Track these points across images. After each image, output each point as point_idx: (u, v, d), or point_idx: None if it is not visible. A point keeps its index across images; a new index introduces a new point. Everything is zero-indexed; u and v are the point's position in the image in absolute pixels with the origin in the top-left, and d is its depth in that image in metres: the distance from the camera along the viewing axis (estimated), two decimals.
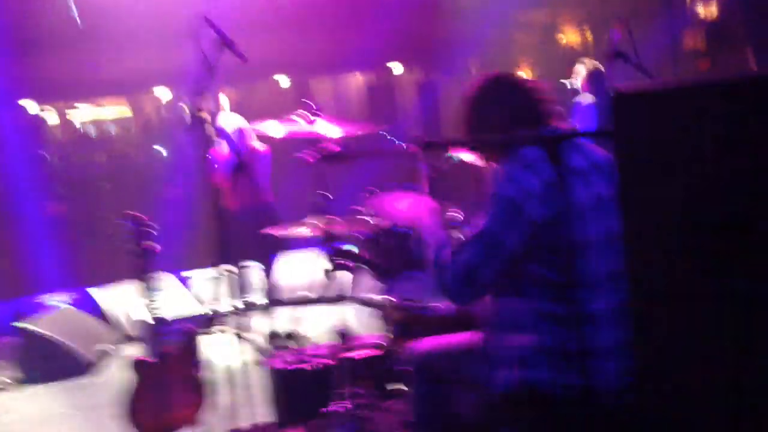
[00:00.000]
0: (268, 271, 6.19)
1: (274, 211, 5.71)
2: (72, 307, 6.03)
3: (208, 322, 5.07)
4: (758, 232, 1.36)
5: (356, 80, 11.32)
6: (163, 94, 10.09)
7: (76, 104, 10.66)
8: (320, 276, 3.25)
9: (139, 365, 3.64)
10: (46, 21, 8.81)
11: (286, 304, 5.73)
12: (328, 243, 3.08)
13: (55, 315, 5.80)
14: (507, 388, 2.27)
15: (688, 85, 1.48)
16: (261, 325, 4.69)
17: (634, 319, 1.58)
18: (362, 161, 3.68)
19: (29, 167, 9.05)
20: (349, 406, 3.17)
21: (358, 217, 3.28)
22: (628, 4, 7.77)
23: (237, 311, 6.30)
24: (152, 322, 3.71)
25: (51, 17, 8.82)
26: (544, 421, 2.23)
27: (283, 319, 4.91)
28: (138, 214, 3.70)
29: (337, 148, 3.12)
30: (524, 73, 10.36)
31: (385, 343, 3.22)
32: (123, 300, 6.31)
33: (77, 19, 9.06)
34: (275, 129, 3.45)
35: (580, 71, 5.84)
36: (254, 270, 6.04)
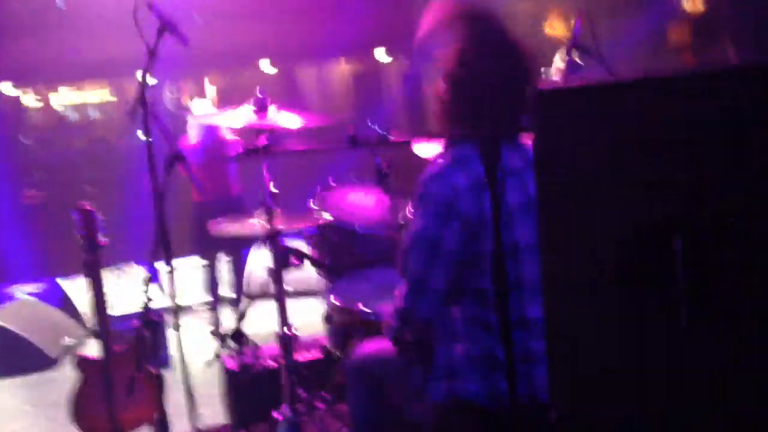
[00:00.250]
0: (240, 264, 6.08)
1: (243, 204, 5.58)
2: (37, 300, 5.90)
3: (174, 315, 4.94)
4: (667, 248, 1.24)
5: (341, 68, 11.20)
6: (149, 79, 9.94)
7: (56, 87, 10.49)
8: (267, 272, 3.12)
9: (82, 363, 3.52)
10: (26, 3, 8.66)
11: (258, 297, 5.60)
12: (272, 240, 2.95)
13: (19, 307, 5.68)
14: (438, 398, 2.16)
15: (609, 82, 1.35)
16: (229, 321, 4.55)
17: (547, 328, 1.46)
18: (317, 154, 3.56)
19: (5, 152, 8.92)
20: (296, 409, 3.06)
21: (308, 212, 3.16)
22: None
23: (207, 305, 6.22)
24: (105, 317, 3.58)
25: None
26: None
27: (236, 316, 4.81)
28: (87, 206, 3.56)
29: (264, 142, 2.99)
30: None
31: (328, 346, 3.10)
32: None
33: (59, 0, 8.91)
34: (231, 119, 3.32)
35: (556, 62, 5.70)
36: (225, 264, 5.92)
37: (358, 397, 2.53)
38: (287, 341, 2.97)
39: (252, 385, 3.44)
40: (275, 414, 3.11)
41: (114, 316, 3.69)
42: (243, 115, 3.19)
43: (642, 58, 7.48)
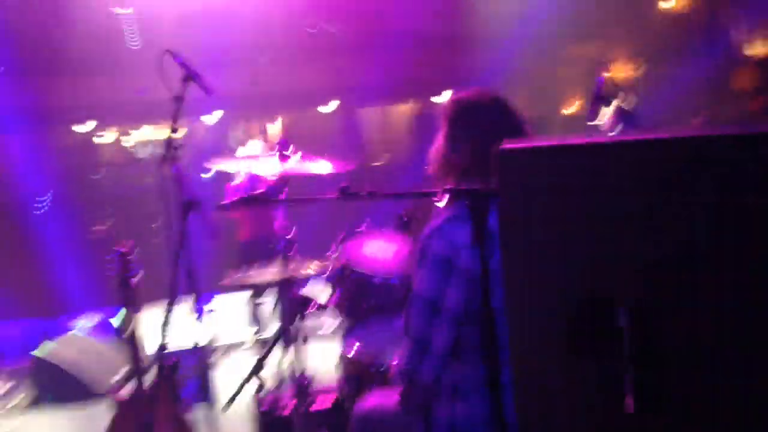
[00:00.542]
0: (285, 303, 6.10)
1: (291, 245, 5.60)
2: (89, 335, 6.02)
3: (213, 355, 4.98)
4: (611, 321, 1.18)
5: (402, 109, 11.30)
6: (214, 117, 10.25)
7: (130, 127, 10.86)
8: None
9: (115, 399, 3.57)
10: (101, 44, 9.01)
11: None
12: (285, 290, 2.96)
13: (70, 341, 5.80)
14: None
15: (570, 143, 1.30)
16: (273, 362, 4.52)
17: (514, 389, 1.42)
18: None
19: (76, 189, 9.26)
20: None
21: (326, 258, 3.16)
22: (677, 40, 7.49)
23: (250, 346, 6.24)
24: (138, 355, 3.63)
25: (106, 40, 9.02)
26: None
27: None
28: (124, 249, 3.64)
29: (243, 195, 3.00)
30: (569, 109, 10.12)
31: (340, 395, 3.07)
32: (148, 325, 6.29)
33: (134, 40, 9.25)
34: (255, 165, 3.37)
35: (606, 111, 5.63)
36: (268, 304, 5.96)
37: None
38: (302, 389, 2.96)
39: (276, 429, 3.43)
40: None
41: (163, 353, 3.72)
42: (268, 162, 3.23)
43: (704, 103, 7.30)
